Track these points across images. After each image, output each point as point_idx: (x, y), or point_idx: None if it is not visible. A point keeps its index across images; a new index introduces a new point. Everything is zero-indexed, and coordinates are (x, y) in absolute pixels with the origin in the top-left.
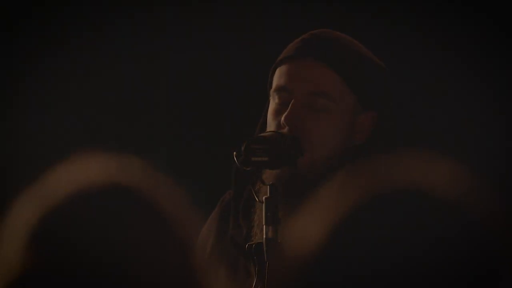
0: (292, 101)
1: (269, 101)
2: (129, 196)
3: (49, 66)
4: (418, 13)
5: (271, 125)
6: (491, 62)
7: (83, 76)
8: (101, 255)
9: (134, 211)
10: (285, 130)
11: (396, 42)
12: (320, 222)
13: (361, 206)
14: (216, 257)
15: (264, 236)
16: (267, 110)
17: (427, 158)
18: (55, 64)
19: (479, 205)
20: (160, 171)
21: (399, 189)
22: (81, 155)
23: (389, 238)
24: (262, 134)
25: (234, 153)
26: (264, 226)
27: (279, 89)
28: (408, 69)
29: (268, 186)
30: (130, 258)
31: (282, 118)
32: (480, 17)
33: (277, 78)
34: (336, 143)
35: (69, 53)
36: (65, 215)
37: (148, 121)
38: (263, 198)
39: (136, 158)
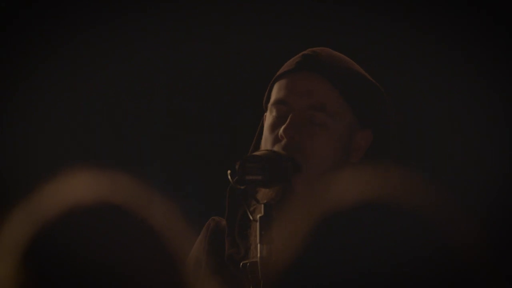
0: (291, 114)
1: (262, 120)
2: (119, 212)
3: (41, 77)
4: (416, 15)
5: (268, 139)
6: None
7: (72, 89)
8: (93, 272)
9: (125, 228)
10: (282, 142)
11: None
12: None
13: (330, 220)
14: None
15: (258, 255)
16: (261, 128)
17: (394, 171)
18: (47, 73)
19: (449, 218)
20: (154, 186)
21: (375, 203)
22: (71, 171)
23: (371, 252)
24: (256, 153)
25: (229, 171)
26: (259, 244)
27: (277, 103)
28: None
29: (263, 205)
30: (121, 273)
31: (281, 130)
32: (477, 20)
33: (276, 91)
34: (332, 159)
35: (63, 59)
36: (56, 232)
37: (142, 134)
38: (258, 216)
39: (125, 175)
